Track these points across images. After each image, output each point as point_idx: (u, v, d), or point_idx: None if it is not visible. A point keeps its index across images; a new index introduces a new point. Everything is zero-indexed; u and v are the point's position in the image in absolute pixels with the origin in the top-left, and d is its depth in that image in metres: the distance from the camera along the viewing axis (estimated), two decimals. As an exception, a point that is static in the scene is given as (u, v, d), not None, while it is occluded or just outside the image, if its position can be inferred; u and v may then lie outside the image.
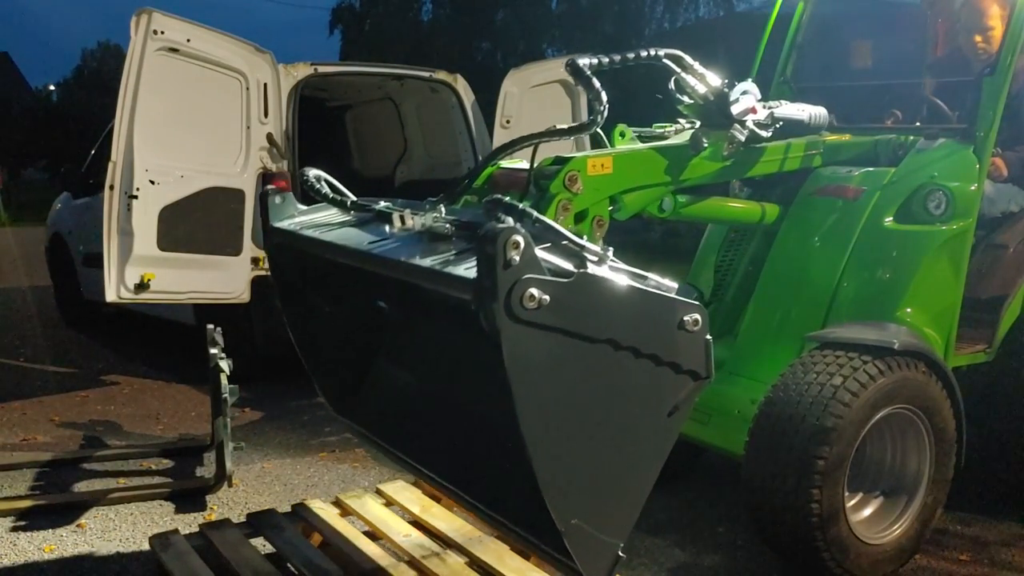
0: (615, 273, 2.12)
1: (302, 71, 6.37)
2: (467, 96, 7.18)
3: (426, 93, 7.47)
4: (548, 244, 2.12)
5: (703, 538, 4.00)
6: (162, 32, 5.49)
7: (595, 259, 2.13)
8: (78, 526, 4.13)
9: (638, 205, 3.42)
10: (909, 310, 3.80)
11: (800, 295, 3.97)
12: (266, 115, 6.04)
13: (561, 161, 3.07)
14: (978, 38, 4.37)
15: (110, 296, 5.55)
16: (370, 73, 7.38)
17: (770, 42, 4.83)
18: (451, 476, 2.87)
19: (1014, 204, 4.27)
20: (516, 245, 1.92)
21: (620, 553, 2.16)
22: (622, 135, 3.53)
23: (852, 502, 3.54)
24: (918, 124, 4.33)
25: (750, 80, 3.53)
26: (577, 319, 2.01)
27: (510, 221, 2.12)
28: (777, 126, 3.65)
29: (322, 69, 6.56)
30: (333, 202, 3.01)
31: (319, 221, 3.03)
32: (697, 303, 2.16)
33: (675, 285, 2.17)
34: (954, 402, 3.62)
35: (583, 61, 2.99)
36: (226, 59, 5.84)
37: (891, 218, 3.87)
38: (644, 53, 3.20)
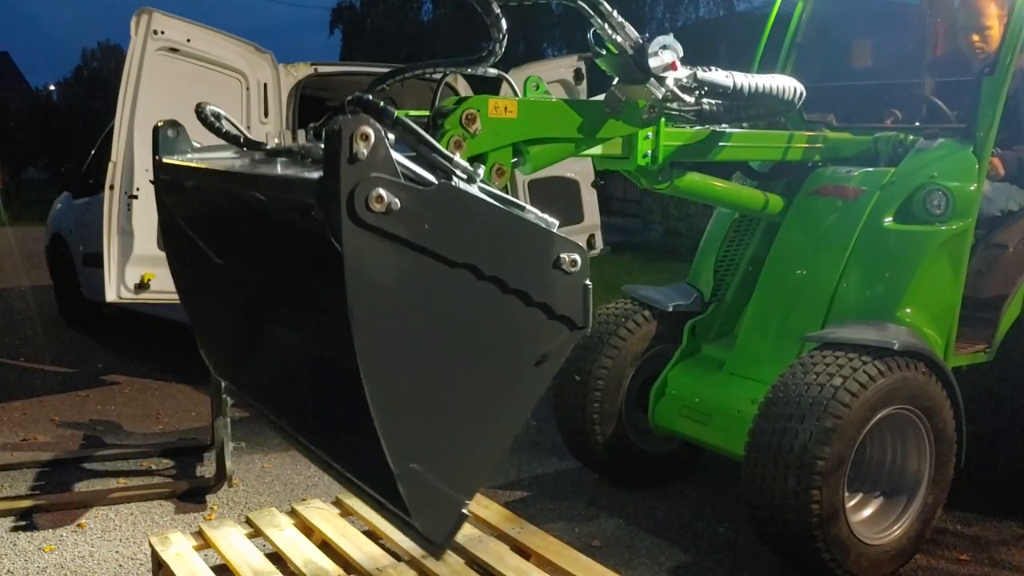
0: (485, 194, 1.89)
1: (302, 71, 6.37)
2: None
3: (427, 93, 7.45)
4: (411, 154, 1.88)
5: (703, 538, 4.00)
6: (162, 32, 5.49)
7: (463, 176, 1.90)
8: (78, 526, 4.13)
9: (545, 159, 3.19)
10: (909, 310, 3.80)
11: (800, 295, 3.97)
12: (266, 115, 6.04)
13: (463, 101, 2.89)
14: (976, 37, 4.37)
15: (110, 296, 5.55)
16: (371, 73, 7.37)
17: (770, 42, 4.83)
18: (313, 435, 2.53)
19: (1012, 203, 4.27)
20: (365, 137, 1.70)
21: (465, 512, 1.93)
22: (536, 87, 3.30)
23: (852, 502, 3.55)
24: (917, 124, 4.33)
25: (671, 35, 3.18)
26: (433, 235, 1.79)
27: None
28: (704, 90, 3.30)
29: (322, 69, 6.56)
30: (227, 137, 2.76)
31: (211, 158, 2.75)
32: (577, 243, 1.95)
33: (555, 222, 1.95)
34: (954, 402, 3.62)
35: None
36: (226, 59, 5.84)
37: (891, 218, 3.87)
38: (496, 9, 2.85)
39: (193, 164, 2.61)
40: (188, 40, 5.62)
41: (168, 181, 2.77)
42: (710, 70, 3.33)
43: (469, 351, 1.91)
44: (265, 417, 2.75)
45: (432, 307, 1.84)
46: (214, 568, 3.35)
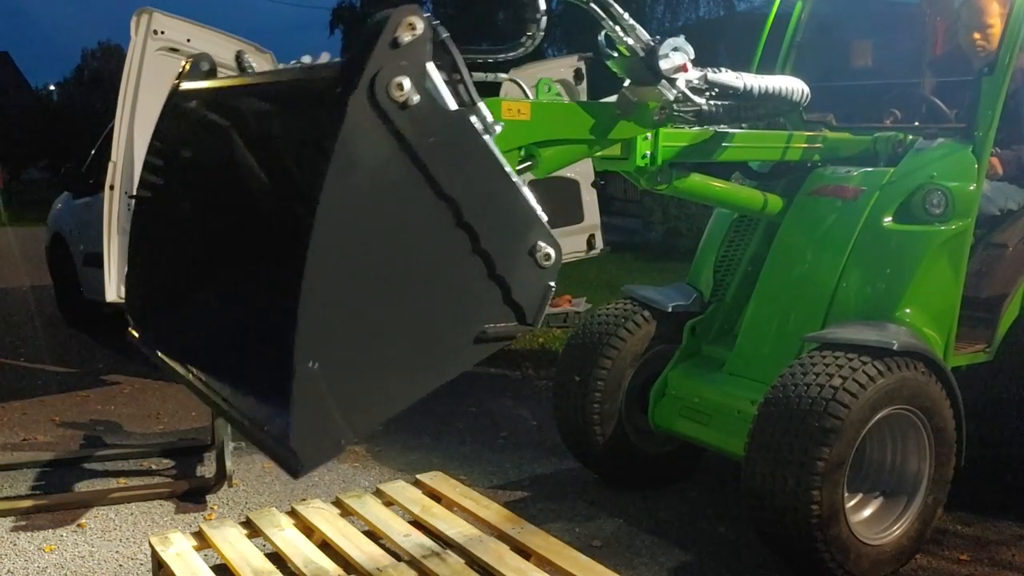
0: (495, 149, 1.85)
1: (302, 71, 6.37)
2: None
3: None
4: (449, 79, 1.82)
5: (704, 538, 4.00)
6: (162, 32, 5.49)
7: (481, 123, 1.84)
8: (78, 526, 4.14)
9: (557, 163, 3.18)
10: (909, 310, 3.80)
11: (800, 295, 3.97)
12: (266, 115, 6.04)
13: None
14: (976, 36, 4.37)
15: (110, 296, 5.54)
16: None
17: (769, 41, 4.83)
18: (221, 379, 2.27)
19: (1011, 202, 4.27)
20: (412, 27, 1.65)
21: (342, 445, 1.79)
22: (548, 89, 3.34)
23: (852, 502, 3.55)
24: (917, 124, 4.33)
25: (682, 37, 3.21)
26: (432, 152, 1.73)
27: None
28: (714, 91, 3.35)
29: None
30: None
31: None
32: (558, 242, 1.90)
33: (545, 217, 1.91)
34: (954, 402, 3.62)
35: None
36: (226, 59, 5.84)
37: (890, 218, 3.87)
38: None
39: (213, 83, 2.54)
40: (188, 40, 5.62)
41: (176, 105, 2.65)
42: (720, 71, 3.35)
43: (416, 288, 1.82)
44: (169, 369, 2.49)
45: (400, 221, 1.77)
46: (214, 568, 3.35)
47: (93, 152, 8.25)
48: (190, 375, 2.31)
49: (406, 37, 1.66)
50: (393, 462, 4.98)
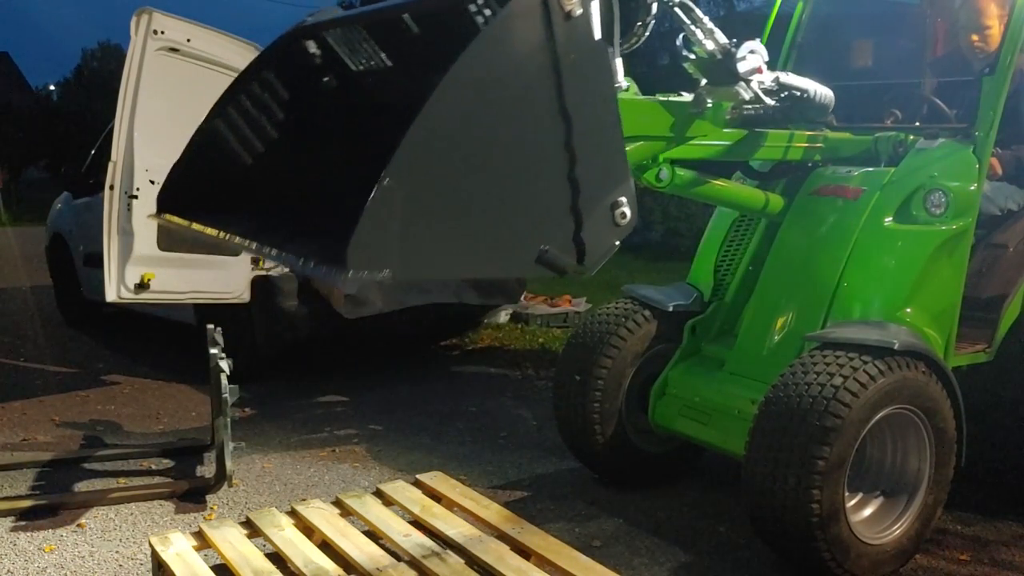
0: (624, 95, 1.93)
1: (302, 71, 6.37)
2: None
3: None
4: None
5: (704, 538, 4.00)
6: (162, 32, 5.49)
7: (621, 82, 2.01)
8: (78, 526, 4.13)
9: (635, 158, 3.27)
10: (909, 310, 3.80)
11: (800, 295, 3.97)
12: (266, 115, 6.03)
13: None
14: (975, 38, 4.38)
15: (110, 296, 5.55)
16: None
17: (770, 41, 4.82)
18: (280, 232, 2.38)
19: (1011, 202, 4.28)
20: None
21: (387, 273, 1.84)
22: (625, 88, 3.37)
23: (852, 502, 3.54)
24: (918, 124, 4.33)
25: (757, 40, 3.43)
26: (571, 66, 1.83)
27: None
28: (783, 94, 3.59)
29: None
30: None
31: None
32: (635, 209, 1.98)
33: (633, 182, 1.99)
34: (954, 402, 3.62)
35: None
36: (226, 59, 5.83)
37: (891, 218, 3.86)
38: None
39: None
40: (188, 40, 5.62)
41: (302, 40, 2.69)
42: (789, 75, 3.60)
43: (506, 182, 1.90)
44: (203, 235, 2.59)
45: (518, 116, 1.86)
46: (214, 568, 3.35)
47: (93, 152, 8.26)
48: (223, 235, 2.41)
49: None
50: (393, 462, 4.98)
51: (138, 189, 5.50)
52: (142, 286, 5.59)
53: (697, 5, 3.27)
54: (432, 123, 1.76)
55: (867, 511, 3.62)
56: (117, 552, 3.89)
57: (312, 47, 2.64)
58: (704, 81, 3.40)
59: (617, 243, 1.98)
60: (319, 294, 6.30)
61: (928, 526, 3.65)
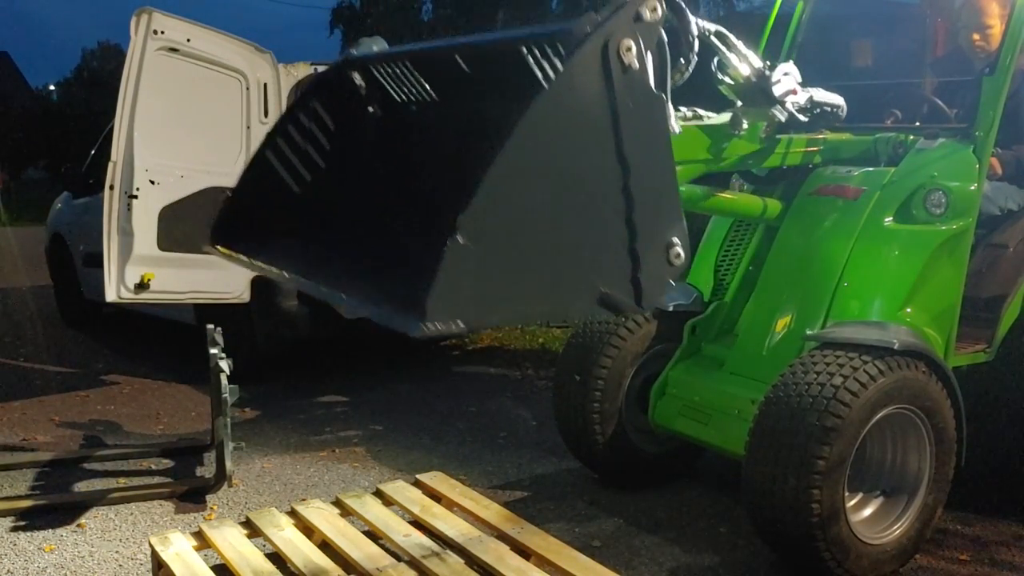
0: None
1: (302, 71, 6.37)
2: None
3: None
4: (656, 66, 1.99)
5: (704, 537, 4.00)
6: (162, 32, 5.49)
7: (671, 113, 2.06)
8: (78, 526, 4.14)
9: None
10: (909, 310, 3.80)
11: (800, 295, 3.97)
12: (266, 115, 6.04)
13: None
14: (976, 37, 4.37)
15: (110, 296, 5.55)
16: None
17: (770, 42, 4.83)
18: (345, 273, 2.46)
19: (1011, 202, 4.27)
20: (654, 9, 1.81)
21: (458, 324, 1.87)
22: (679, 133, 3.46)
23: (852, 502, 3.54)
24: (918, 124, 4.33)
25: (791, 62, 3.56)
26: (629, 116, 1.90)
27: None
28: (816, 111, 3.72)
29: (322, 69, 6.57)
30: None
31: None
32: (689, 250, 2.00)
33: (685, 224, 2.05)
34: (954, 402, 3.62)
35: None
36: (226, 59, 5.84)
37: (891, 218, 3.86)
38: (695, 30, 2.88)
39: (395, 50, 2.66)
40: (188, 40, 5.63)
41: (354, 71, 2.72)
42: (819, 91, 3.74)
43: (567, 229, 1.95)
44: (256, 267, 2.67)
45: (578, 165, 1.92)
46: (214, 568, 3.36)
47: (93, 152, 8.26)
48: (278, 271, 2.51)
49: (647, 15, 1.84)
50: (393, 462, 4.98)
51: (138, 189, 5.51)
52: (142, 286, 5.60)
53: (697, 6, 3.29)
54: (501, 181, 1.84)
55: (867, 511, 3.62)
56: (117, 552, 3.89)
57: (358, 79, 2.71)
58: (739, 103, 3.53)
59: (672, 282, 2.01)
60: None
61: (928, 526, 3.65)
